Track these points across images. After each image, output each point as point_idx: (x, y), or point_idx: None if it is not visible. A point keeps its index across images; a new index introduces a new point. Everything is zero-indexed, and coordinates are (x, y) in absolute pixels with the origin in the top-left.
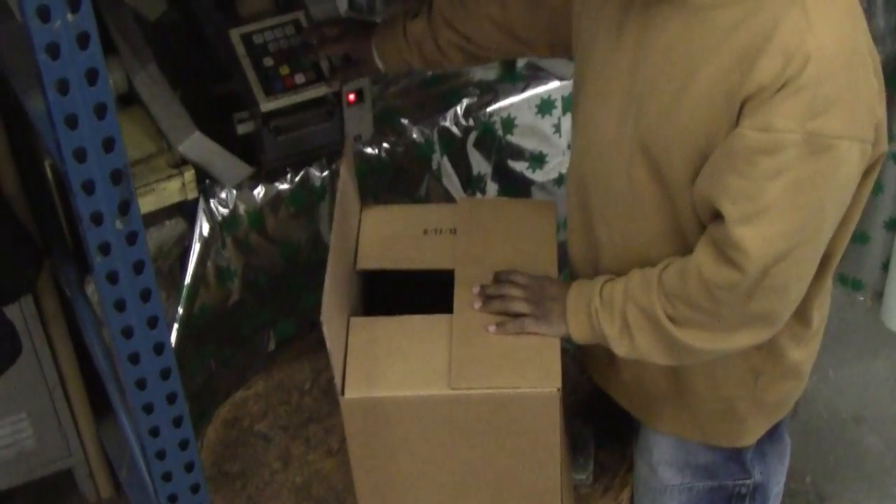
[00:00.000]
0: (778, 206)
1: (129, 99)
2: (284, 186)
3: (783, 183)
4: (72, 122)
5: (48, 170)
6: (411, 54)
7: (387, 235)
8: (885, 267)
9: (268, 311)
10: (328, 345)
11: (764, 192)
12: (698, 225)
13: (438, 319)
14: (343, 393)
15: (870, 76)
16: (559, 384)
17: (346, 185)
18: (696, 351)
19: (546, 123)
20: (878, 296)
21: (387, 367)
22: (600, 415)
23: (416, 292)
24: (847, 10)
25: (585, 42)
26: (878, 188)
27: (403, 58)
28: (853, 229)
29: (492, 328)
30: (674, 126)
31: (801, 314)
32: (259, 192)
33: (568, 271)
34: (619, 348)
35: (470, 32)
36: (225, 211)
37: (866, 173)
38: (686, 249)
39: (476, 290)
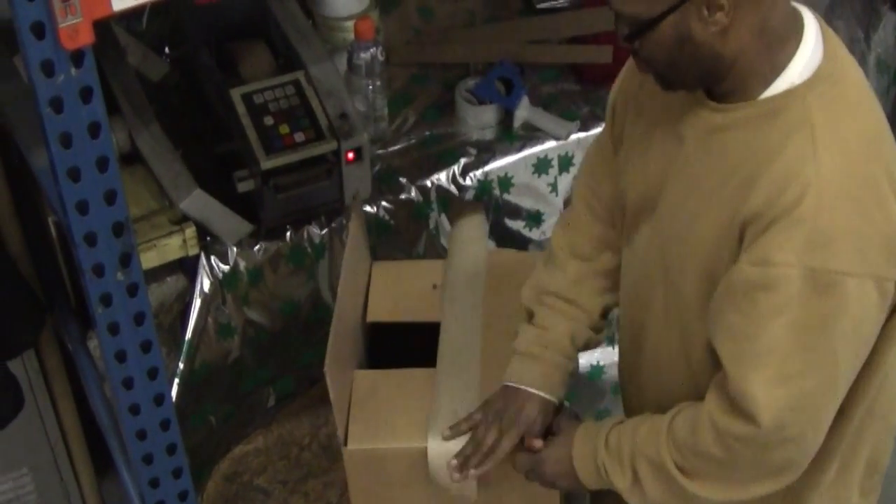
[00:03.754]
0: (781, 348)
1: (131, 158)
2: (284, 244)
3: (785, 322)
4: (74, 174)
5: (51, 226)
6: (565, 358)
7: (397, 289)
8: None
9: (268, 368)
10: (331, 395)
11: (764, 333)
12: (706, 356)
13: None
14: (346, 444)
15: (886, 207)
16: None
17: (356, 240)
18: (710, 502)
19: (542, 182)
20: None
21: (389, 419)
22: None
23: (426, 346)
24: (865, 134)
25: (626, 150)
26: None
27: (562, 368)
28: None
29: (453, 462)
30: (689, 249)
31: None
32: (259, 249)
33: None
34: (633, 499)
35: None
36: (225, 268)
37: (893, 310)
38: (691, 376)
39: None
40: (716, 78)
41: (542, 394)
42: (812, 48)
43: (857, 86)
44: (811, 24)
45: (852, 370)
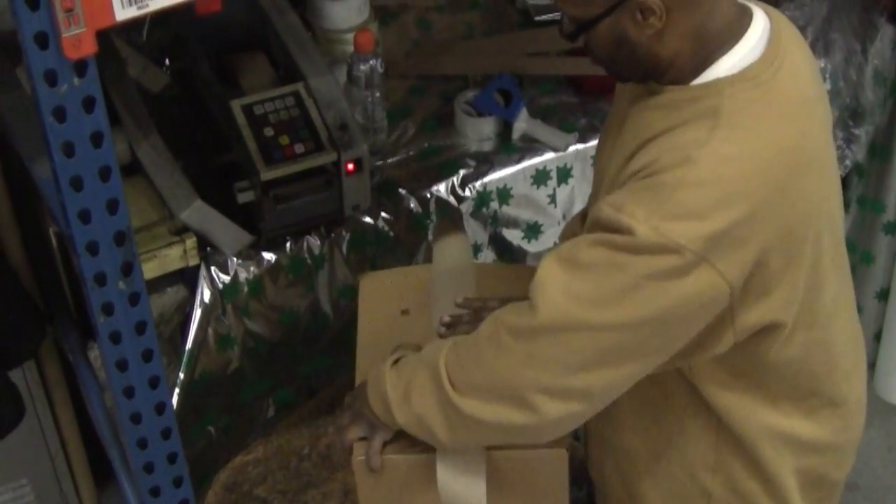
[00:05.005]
0: (595, 271)
1: (131, 169)
2: (284, 255)
3: (612, 256)
4: (77, 183)
5: (52, 237)
6: None
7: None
8: (878, 337)
9: (267, 379)
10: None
11: (591, 250)
12: None
13: None
14: (355, 453)
15: (761, 218)
16: (567, 444)
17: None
18: (466, 417)
19: (541, 194)
20: (871, 366)
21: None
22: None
23: None
24: (768, 143)
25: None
26: (869, 259)
27: None
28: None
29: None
30: None
31: (747, 453)
32: (259, 260)
33: None
34: (400, 414)
35: None
36: (226, 278)
37: (757, 336)
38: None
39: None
40: (657, 73)
41: None
42: (749, 49)
43: (787, 96)
44: (757, 28)
45: (642, 340)
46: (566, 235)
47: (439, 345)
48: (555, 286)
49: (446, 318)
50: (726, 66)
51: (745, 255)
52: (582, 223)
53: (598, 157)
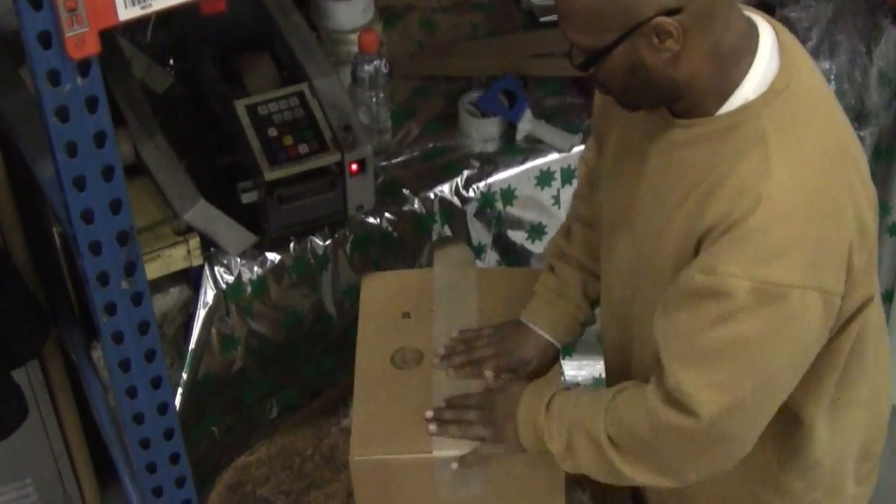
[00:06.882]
0: (722, 355)
1: (136, 169)
2: (288, 255)
3: (728, 331)
4: (80, 183)
5: (56, 237)
6: (578, 309)
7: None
8: None
9: (270, 380)
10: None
11: (707, 337)
12: None
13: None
14: (351, 453)
15: (841, 221)
16: None
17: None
18: (636, 481)
19: (545, 195)
20: None
21: (393, 426)
22: (597, 484)
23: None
24: (823, 145)
25: (601, 170)
26: None
27: (574, 317)
28: (838, 377)
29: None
30: (657, 264)
31: (802, 454)
32: (262, 260)
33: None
34: (564, 464)
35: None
36: (229, 279)
37: (847, 322)
38: None
39: (429, 414)
40: (673, 99)
41: (547, 336)
42: (767, 62)
43: (815, 96)
44: (767, 37)
45: (791, 377)
46: (551, 254)
47: (595, 412)
48: (699, 390)
49: (441, 350)
50: (752, 85)
51: (839, 262)
52: (566, 238)
53: (612, 190)
